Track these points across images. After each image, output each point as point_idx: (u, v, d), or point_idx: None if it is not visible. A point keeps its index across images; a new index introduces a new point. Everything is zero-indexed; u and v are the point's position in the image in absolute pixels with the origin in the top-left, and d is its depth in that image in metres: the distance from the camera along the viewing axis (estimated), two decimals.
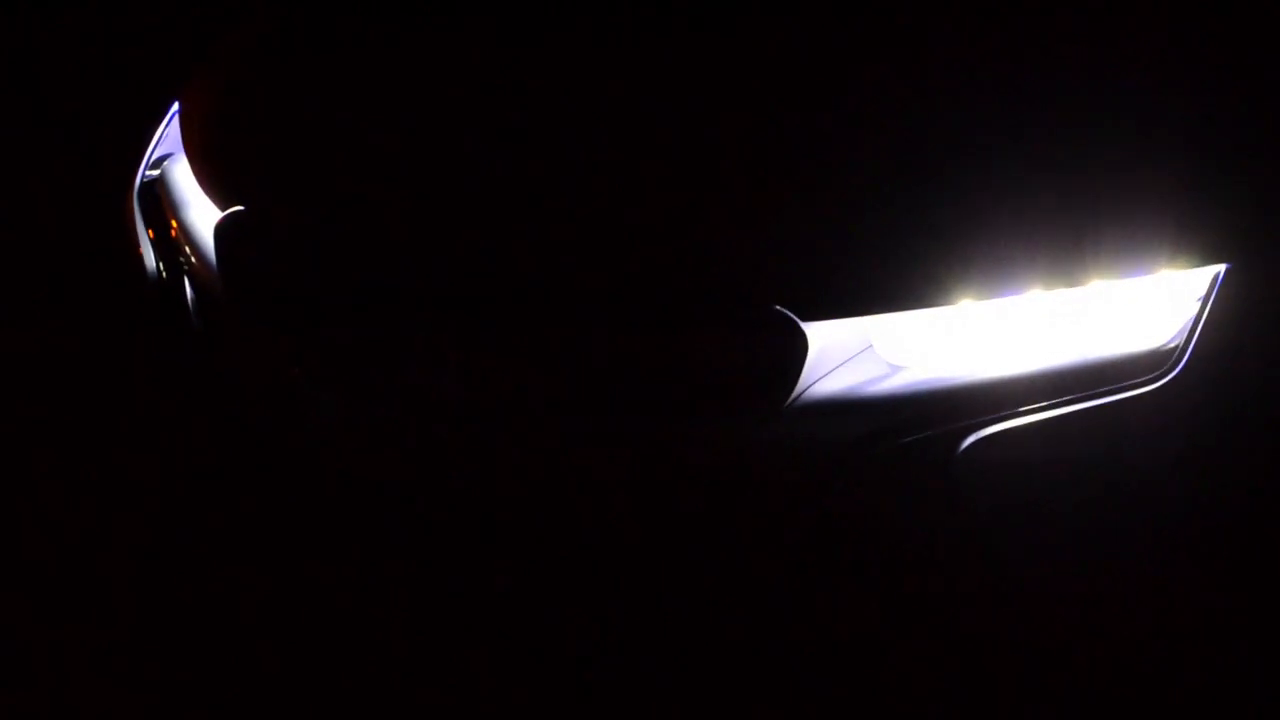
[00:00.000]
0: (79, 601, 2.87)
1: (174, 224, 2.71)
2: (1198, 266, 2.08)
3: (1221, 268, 2.07)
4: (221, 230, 2.49)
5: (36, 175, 4.30)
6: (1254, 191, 2.17)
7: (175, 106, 3.00)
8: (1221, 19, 2.52)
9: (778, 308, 2.04)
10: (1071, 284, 2.06)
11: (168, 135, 2.96)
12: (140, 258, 2.84)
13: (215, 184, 2.63)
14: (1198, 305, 2.08)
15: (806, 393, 2.08)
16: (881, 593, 2.49)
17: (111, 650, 2.70)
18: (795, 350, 2.04)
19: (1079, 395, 2.09)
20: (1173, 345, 2.09)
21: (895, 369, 2.10)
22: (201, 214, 2.64)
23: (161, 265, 2.78)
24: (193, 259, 2.64)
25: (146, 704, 2.58)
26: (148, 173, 2.93)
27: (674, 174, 2.26)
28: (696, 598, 2.65)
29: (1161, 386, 2.08)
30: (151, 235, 2.81)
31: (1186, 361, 2.08)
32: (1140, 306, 2.11)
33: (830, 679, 2.50)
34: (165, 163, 2.88)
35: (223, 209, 2.53)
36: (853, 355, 2.09)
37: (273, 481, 3.03)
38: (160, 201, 2.81)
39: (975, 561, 2.29)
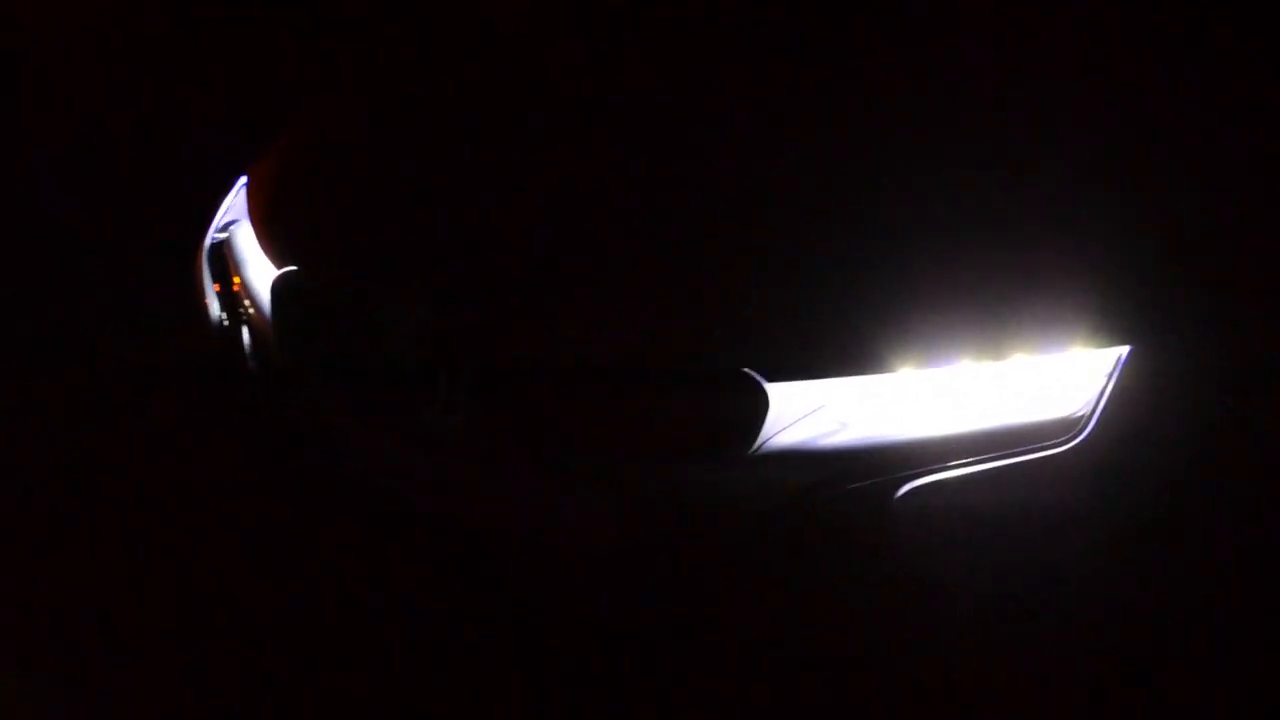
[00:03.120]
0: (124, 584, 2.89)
1: (236, 280, 2.80)
2: (1105, 347, 2.11)
3: (1125, 349, 2.10)
4: (277, 287, 2.58)
5: (127, 243, 4.38)
6: (1155, 284, 2.20)
7: (241, 181, 3.08)
8: (1126, 125, 2.58)
9: (746, 370, 2.09)
10: (996, 358, 2.10)
11: (234, 205, 3.03)
12: (206, 307, 2.92)
13: (273, 247, 2.71)
14: (1104, 380, 2.11)
15: (768, 443, 2.11)
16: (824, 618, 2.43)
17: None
18: (758, 406, 2.09)
19: (999, 454, 2.10)
20: (1081, 414, 2.10)
21: (844, 425, 2.11)
22: (260, 272, 2.71)
23: (224, 314, 2.86)
24: (251, 310, 2.72)
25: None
26: (216, 235, 3.00)
27: (668, 261, 2.33)
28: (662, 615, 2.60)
29: (1070, 449, 2.09)
30: (217, 289, 2.89)
31: (1092, 429, 2.09)
32: (1055, 379, 2.13)
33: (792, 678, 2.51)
34: (231, 227, 2.95)
35: (278, 268, 2.62)
36: (808, 413, 2.11)
37: (309, 500, 3.02)
38: (225, 260, 2.89)
39: (907, 592, 2.26)
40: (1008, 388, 2.12)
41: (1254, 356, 2.26)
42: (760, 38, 3.23)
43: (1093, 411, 2.10)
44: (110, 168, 4.62)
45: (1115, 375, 2.10)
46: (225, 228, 3.00)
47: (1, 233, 4.52)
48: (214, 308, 2.91)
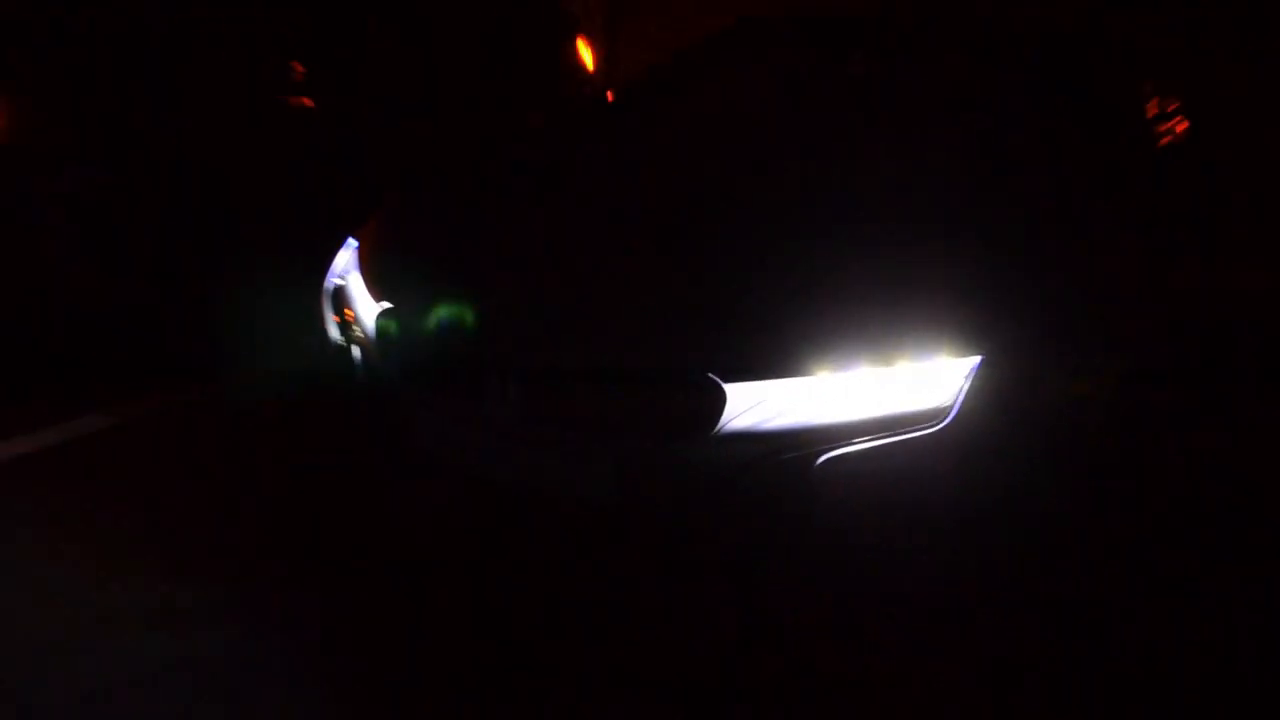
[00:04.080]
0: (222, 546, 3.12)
1: (349, 313, 3.12)
2: (962, 356, 2.50)
3: (978, 358, 2.50)
4: (380, 317, 2.97)
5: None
6: (996, 314, 2.61)
7: (351, 242, 3.38)
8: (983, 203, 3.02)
9: (710, 374, 2.50)
10: (885, 364, 2.50)
11: (346, 260, 3.32)
12: (326, 332, 3.22)
13: (374, 290, 3.06)
14: (963, 380, 2.48)
15: (726, 426, 2.49)
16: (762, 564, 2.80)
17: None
18: (718, 400, 2.49)
19: (888, 433, 2.48)
20: (947, 405, 2.48)
21: (779, 414, 2.49)
22: (367, 307, 3.04)
23: (341, 338, 3.16)
24: (359, 334, 3.05)
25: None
26: (334, 280, 3.29)
27: (655, 297, 2.75)
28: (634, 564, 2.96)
29: (938, 430, 2.47)
30: (336, 319, 3.18)
31: (954, 416, 2.48)
32: (928, 380, 2.49)
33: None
34: (346, 274, 3.24)
35: (378, 304, 3.00)
36: (753, 405, 2.49)
37: (401, 470, 3.30)
38: (342, 298, 3.19)
39: (821, 532, 2.60)
40: (894, 385, 2.50)
41: (1072, 363, 2.67)
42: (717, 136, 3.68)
43: (954, 403, 2.48)
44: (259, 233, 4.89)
45: (970, 377, 2.49)
46: (341, 275, 3.25)
47: (180, 275, 4.71)
48: (333, 333, 3.19)
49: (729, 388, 2.50)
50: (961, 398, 2.51)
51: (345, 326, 3.16)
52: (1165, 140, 3.78)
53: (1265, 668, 2.69)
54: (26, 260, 4.36)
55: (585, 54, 6.28)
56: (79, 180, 4.46)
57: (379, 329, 2.98)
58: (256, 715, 2.49)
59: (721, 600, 2.88)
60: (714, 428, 2.51)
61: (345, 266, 3.32)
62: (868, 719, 2.54)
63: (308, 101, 5.15)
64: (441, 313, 2.90)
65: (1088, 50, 4.07)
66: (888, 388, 2.53)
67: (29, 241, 4.38)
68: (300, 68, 5.17)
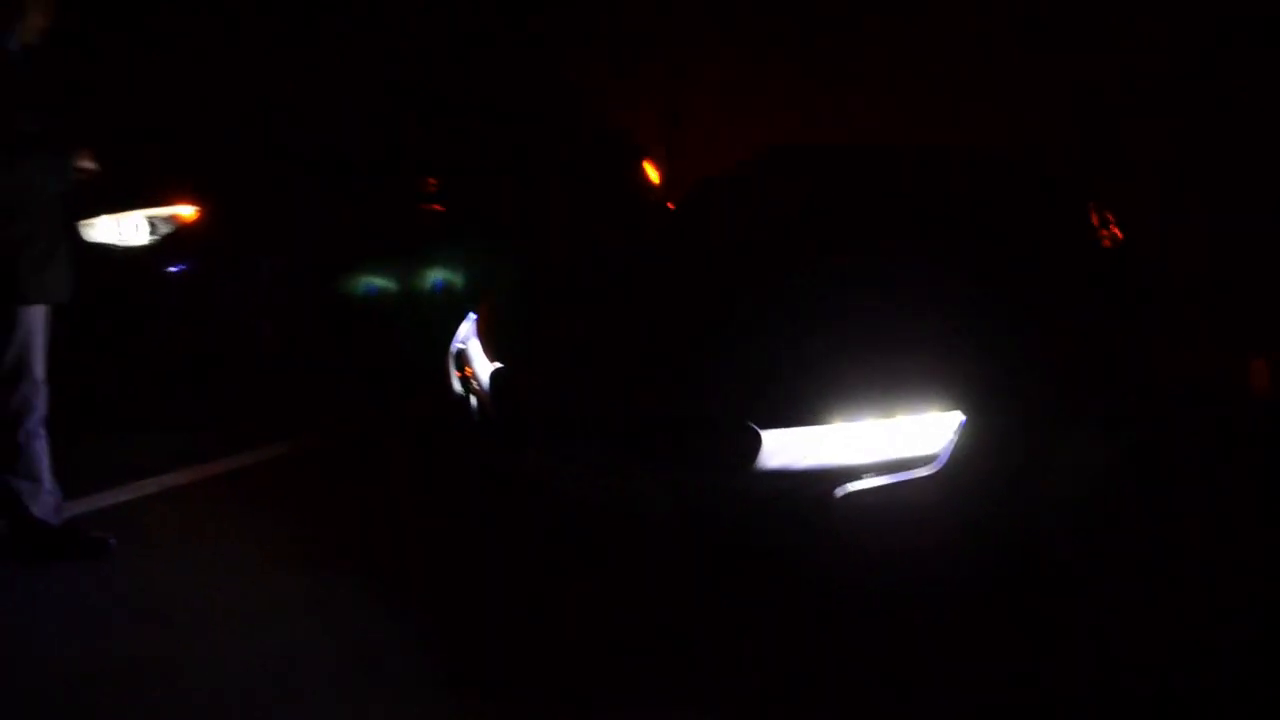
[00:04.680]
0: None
1: (469, 370, 3.14)
2: (951, 412, 2.47)
3: (964, 416, 2.47)
4: (493, 375, 2.97)
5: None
6: (982, 377, 2.58)
7: (471, 315, 3.42)
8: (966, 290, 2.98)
9: (749, 422, 2.49)
10: (888, 416, 2.47)
11: (468, 329, 3.33)
12: (450, 386, 3.24)
13: (490, 353, 3.06)
14: (952, 433, 2.45)
15: (760, 464, 2.47)
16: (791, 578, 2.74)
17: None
18: (755, 443, 2.47)
19: (892, 474, 2.43)
20: (939, 452, 2.44)
21: (805, 455, 2.46)
22: (482, 366, 3.05)
23: (461, 390, 3.17)
24: (477, 388, 3.06)
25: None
26: (457, 344, 3.31)
27: (711, 364, 2.72)
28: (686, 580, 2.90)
29: (933, 474, 2.43)
30: (458, 375, 3.21)
31: (945, 461, 2.44)
32: (923, 431, 2.46)
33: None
34: (466, 340, 3.26)
35: (493, 365, 3.00)
36: (784, 447, 2.46)
37: (507, 494, 3.23)
38: (463, 359, 3.21)
39: (838, 551, 2.53)
40: (896, 435, 2.47)
41: (1039, 419, 2.63)
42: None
43: (944, 451, 2.45)
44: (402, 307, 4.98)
45: (958, 430, 2.46)
46: (463, 341, 3.28)
47: (341, 338, 4.76)
48: (456, 386, 3.20)
49: (764, 433, 2.49)
50: (950, 447, 2.47)
51: (465, 381, 3.16)
52: (1106, 242, 3.82)
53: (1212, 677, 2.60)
54: (224, 323, 4.43)
55: (651, 173, 6.32)
56: (267, 266, 4.55)
57: (493, 384, 2.97)
58: (391, 684, 2.47)
59: (756, 599, 2.85)
60: (751, 465, 2.49)
61: (466, 334, 3.33)
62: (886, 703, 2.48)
63: (439, 208, 5.23)
64: (542, 374, 2.92)
65: (1049, 174, 4.17)
66: (891, 437, 2.49)
67: (228, 309, 4.46)
68: (433, 182, 5.25)
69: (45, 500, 2.96)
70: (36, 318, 2.88)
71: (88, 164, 2.89)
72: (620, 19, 8.72)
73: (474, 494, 3.53)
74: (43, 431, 2.94)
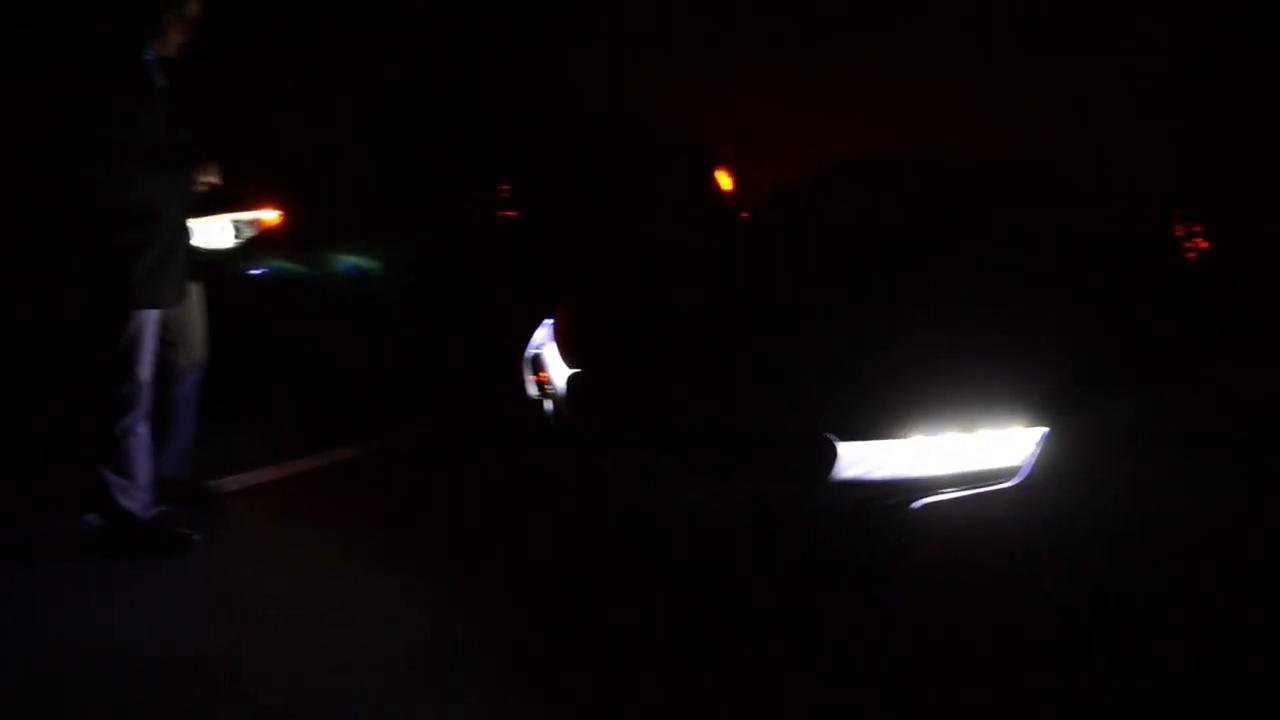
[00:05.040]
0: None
1: (544, 375, 3.17)
2: (1033, 427, 2.44)
3: (1045, 429, 2.44)
4: (569, 381, 3.00)
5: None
6: (1066, 392, 2.54)
7: (548, 320, 3.42)
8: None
9: (826, 434, 2.48)
10: (970, 430, 2.45)
11: (545, 333, 3.36)
12: (525, 389, 3.29)
13: (566, 357, 3.09)
14: (1034, 446, 2.43)
15: (838, 476, 2.45)
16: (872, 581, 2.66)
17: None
18: (832, 455, 2.46)
19: (972, 486, 2.42)
20: (1021, 465, 2.42)
21: (881, 466, 2.44)
22: (559, 371, 3.07)
23: (537, 394, 3.21)
24: (552, 391, 3.09)
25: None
26: (533, 349, 3.35)
27: (793, 379, 2.71)
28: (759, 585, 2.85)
29: (1014, 486, 2.42)
30: (533, 379, 3.25)
31: (1027, 474, 2.42)
32: (1005, 444, 2.44)
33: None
34: (543, 346, 3.28)
35: (569, 369, 3.03)
36: (861, 459, 2.45)
37: (582, 497, 3.24)
38: (539, 363, 3.25)
39: (916, 564, 2.49)
40: (977, 448, 2.45)
41: (1125, 435, 2.59)
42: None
43: (1025, 465, 2.43)
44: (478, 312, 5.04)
45: (1039, 444, 2.44)
46: (539, 346, 3.31)
47: (418, 343, 4.87)
48: (532, 390, 3.26)
49: (841, 445, 2.47)
50: (1031, 461, 2.45)
51: (541, 386, 3.20)
52: (1190, 254, 3.71)
53: None
54: (311, 331, 4.52)
55: (724, 181, 6.32)
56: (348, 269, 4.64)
57: (569, 389, 3.00)
58: (463, 687, 2.48)
59: (832, 611, 2.82)
60: (829, 476, 2.48)
61: (542, 339, 3.36)
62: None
63: (512, 214, 5.28)
64: (618, 378, 2.93)
65: (1131, 185, 4.08)
66: (971, 450, 2.47)
67: (309, 312, 4.54)
68: (507, 188, 5.30)
69: (136, 496, 3.05)
70: (146, 321, 2.99)
71: (212, 179, 3.04)
72: (695, 29, 8.73)
73: (549, 499, 3.54)
74: (141, 430, 3.04)
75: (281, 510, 3.44)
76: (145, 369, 3.01)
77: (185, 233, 3.09)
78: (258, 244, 4.30)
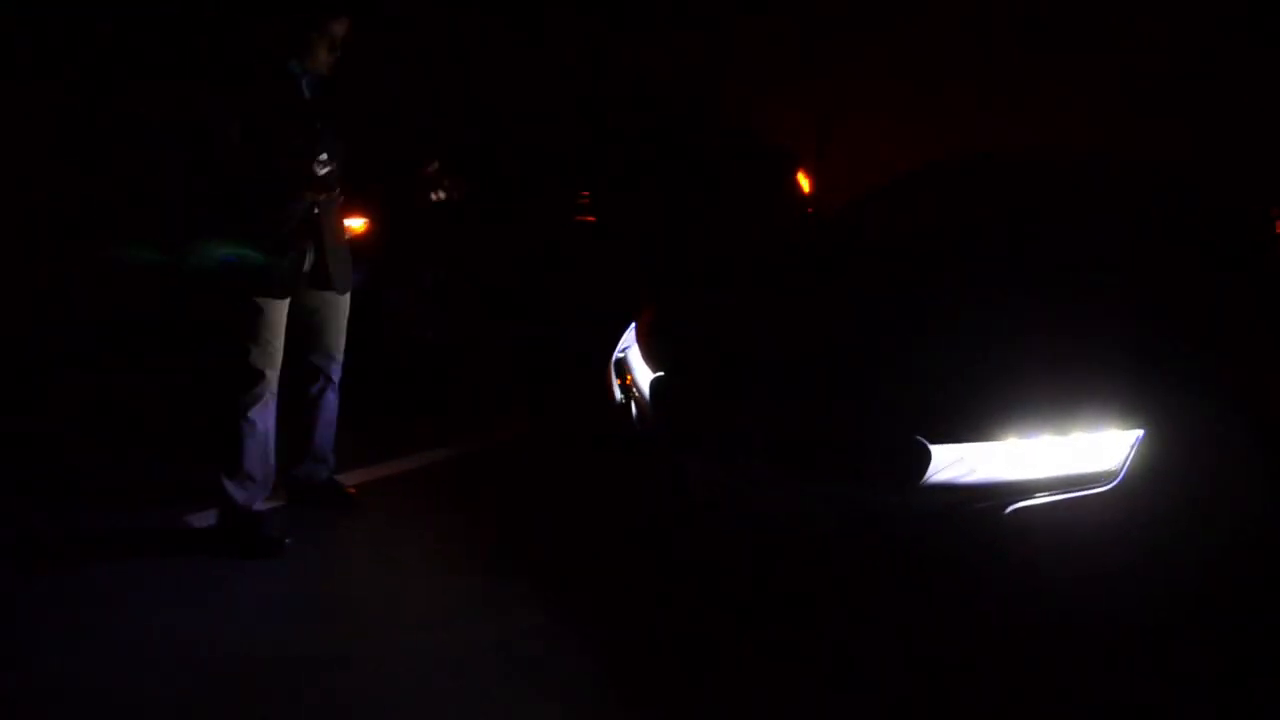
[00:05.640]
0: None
1: (629, 378, 3.19)
2: (1128, 429, 2.41)
3: (1141, 432, 2.41)
4: (654, 384, 3.01)
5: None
6: (1162, 394, 2.51)
7: (632, 325, 3.45)
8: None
9: (918, 437, 2.46)
10: (1063, 433, 2.42)
11: (629, 338, 3.38)
12: (612, 393, 3.31)
13: (650, 361, 3.11)
14: (1129, 449, 2.40)
15: (931, 479, 2.44)
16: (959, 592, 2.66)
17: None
18: (925, 459, 2.45)
19: (1067, 490, 2.39)
20: (1116, 468, 2.39)
21: (973, 470, 2.42)
22: (643, 375, 3.09)
23: (622, 397, 3.23)
24: (636, 395, 3.11)
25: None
26: (619, 353, 3.38)
27: (879, 380, 2.71)
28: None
29: (1109, 489, 2.38)
30: (618, 383, 3.27)
31: (1123, 478, 2.39)
32: (1101, 447, 2.41)
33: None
34: (627, 349, 3.31)
35: (653, 373, 3.04)
36: (953, 463, 2.43)
37: (668, 499, 3.17)
38: (624, 367, 3.27)
39: (1009, 572, 2.50)
40: (1072, 450, 2.42)
41: (1224, 438, 2.54)
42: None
43: (1122, 468, 2.39)
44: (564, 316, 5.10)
45: (1135, 446, 2.40)
46: (624, 350, 3.34)
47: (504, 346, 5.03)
48: (617, 393, 3.27)
49: (934, 448, 2.45)
50: (1128, 464, 2.41)
51: (626, 389, 3.21)
52: None
53: None
54: (393, 335, 4.61)
55: (804, 183, 6.31)
56: (430, 276, 4.72)
57: (654, 392, 3.01)
58: (552, 692, 2.51)
59: (924, 615, 2.80)
60: (921, 479, 2.46)
61: (627, 342, 3.38)
62: None
63: (591, 219, 5.32)
64: (702, 384, 2.94)
65: (1229, 184, 3.99)
66: (1066, 453, 2.43)
67: (400, 321, 4.63)
68: (586, 194, 5.35)
69: (246, 486, 3.17)
70: (263, 311, 3.10)
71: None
72: (780, 32, 8.73)
73: (636, 503, 3.56)
74: (257, 420, 3.14)
75: (372, 513, 3.50)
76: (261, 359, 3.12)
77: (311, 229, 3.15)
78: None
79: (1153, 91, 6.87)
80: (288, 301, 3.16)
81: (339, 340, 3.38)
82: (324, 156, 3.05)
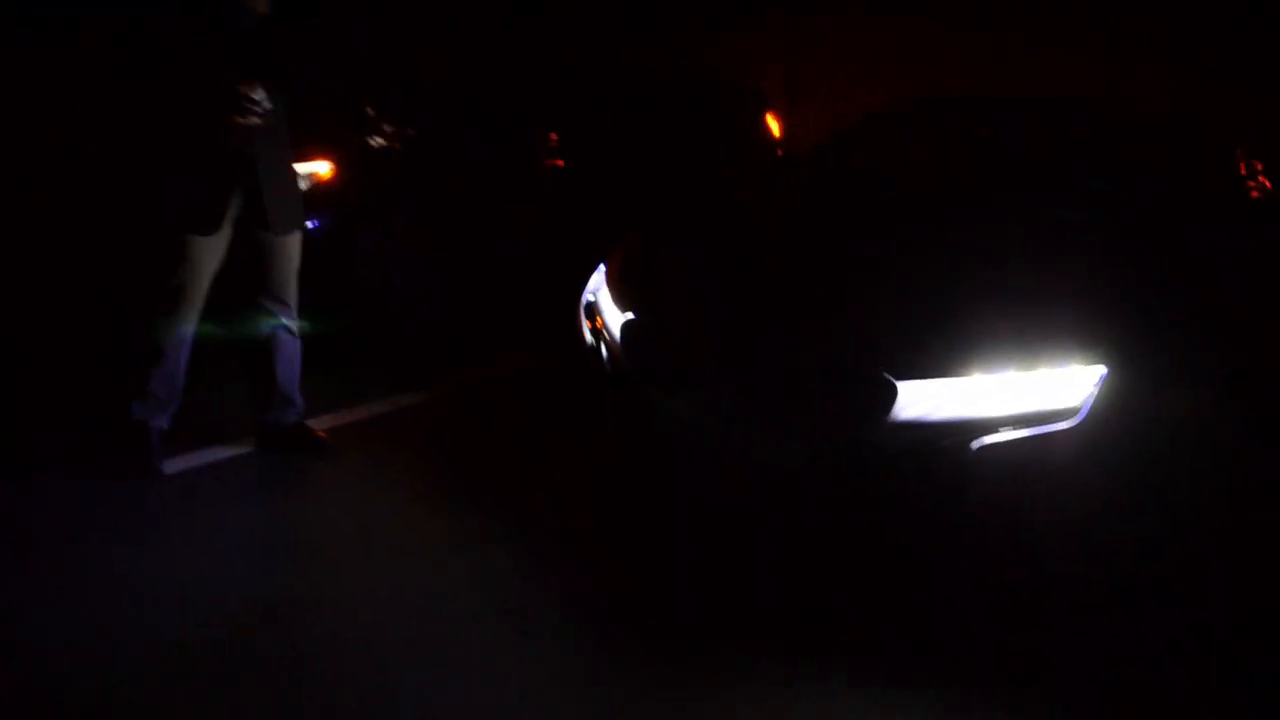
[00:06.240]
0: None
1: (600, 321, 3.19)
2: (1094, 365, 2.44)
3: (1104, 369, 2.44)
4: (624, 326, 3.01)
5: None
6: (1124, 331, 2.54)
7: (602, 267, 3.43)
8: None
9: (885, 374, 2.49)
10: (1029, 369, 2.45)
11: (599, 279, 3.37)
12: (583, 336, 3.30)
13: (620, 303, 3.11)
14: (1093, 386, 2.43)
15: (897, 416, 2.46)
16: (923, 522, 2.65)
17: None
18: (891, 395, 2.47)
19: (1030, 426, 2.41)
20: (1079, 406, 2.42)
21: (940, 407, 2.44)
22: (613, 317, 3.09)
23: (592, 339, 3.23)
24: (607, 337, 3.11)
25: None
26: (588, 296, 3.36)
27: (845, 316, 2.73)
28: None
29: (1072, 427, 2.41)
30: (589, 325, 3.27)
31: (1085, 415, 2.41)
32: (1064, 384, 2.44)
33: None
34: (597, 292, 3.31)
35: (623, 315, 3.04)
36: (920, 399, 2.45)
37: (633, 437, 3.31)
38: (594, 310, 3.27)
39: (973, 507, 2.51)
40: (1036, 387, 2.44)
41: (1184, 376, 2.58)
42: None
43: (1085, 405, 2.42)
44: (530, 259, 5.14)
45: (1098, 384, 2.43)
46: (593, 293, 3.33)
47: (470, 289, 5.02)
48: (587, 336, 3.26)
49: (901, 385, 2.48)
50: (1091, 401, 2.44)
51: (596, 332, 3.21)
52: (1255, 193, 3.67)
53: None
54: (363, 280, 4.58)
55: (773, 125, 6.29)
56: (402, 224, 4.69)
57: (624, 334, 3.01)
58: (535, 630, 2.55)
59: (889, 550, 2.87)
60: (888, 416, 2.48)
61: (597, 285, 3.38)
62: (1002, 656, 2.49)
63: (560, 162, 5.29)
64: (673, 323, 2.92)
65: (1194, 122, 3.99)
66: (1030, 390, 2.46)
67: (365, 268, 4.60)
68: (555, 137, 5.31)
69: (150, 405, 3.24)
70: (195, 249, 3.11)
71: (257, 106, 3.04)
72: None
73: (609, 444, 3.59)
74: (169, 350, 3.18)
75: (347, 455, 3.51)
76: (181, 292, 3.13)
77: (243, 167, 3.10)
78: (312, 196, 4.39)
79: (1128, 31, 6.88)
80: (218, 241, 3.13)
81: (287, 284, 3.35)
82: (260, 95, 2.96)
